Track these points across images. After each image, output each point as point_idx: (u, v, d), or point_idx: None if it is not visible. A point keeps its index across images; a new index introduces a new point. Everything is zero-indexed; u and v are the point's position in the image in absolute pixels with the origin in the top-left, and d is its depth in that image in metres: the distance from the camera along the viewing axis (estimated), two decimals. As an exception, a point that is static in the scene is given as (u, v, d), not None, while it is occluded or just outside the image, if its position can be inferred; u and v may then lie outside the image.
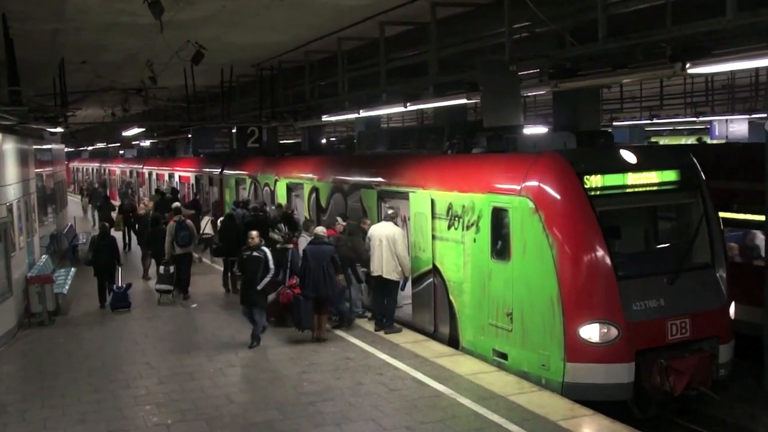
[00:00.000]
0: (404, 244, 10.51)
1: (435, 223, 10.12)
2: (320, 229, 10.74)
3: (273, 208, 14.27)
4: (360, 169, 13.02)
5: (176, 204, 15.47)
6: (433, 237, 10.14)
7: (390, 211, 10.91)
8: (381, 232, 10.70)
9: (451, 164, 10.59)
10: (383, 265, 10.53)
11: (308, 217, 13.80)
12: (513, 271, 8.49)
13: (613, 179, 8.37)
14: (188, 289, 13.59)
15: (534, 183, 8.34)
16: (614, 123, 22.98)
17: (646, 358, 7.72)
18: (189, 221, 14.28)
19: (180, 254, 13.59)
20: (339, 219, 11.71)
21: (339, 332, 10.66)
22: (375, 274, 10.69)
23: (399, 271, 10.53)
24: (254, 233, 10.25)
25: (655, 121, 22.65)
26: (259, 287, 9.93)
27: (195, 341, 10.52)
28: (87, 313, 12.60)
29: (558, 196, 8.14)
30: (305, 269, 10.15)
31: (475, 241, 9.23)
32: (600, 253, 7.86)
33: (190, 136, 18.58)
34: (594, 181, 8.24)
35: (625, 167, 8.47)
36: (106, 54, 13.61)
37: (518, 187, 8.47)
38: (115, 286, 12.98)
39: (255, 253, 9.98)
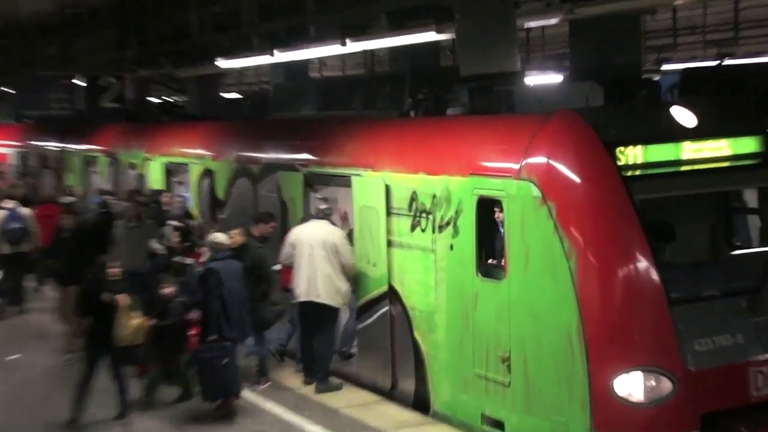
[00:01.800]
0: (350, 252, 10.83)
1: (392, 222, 10.26)
2: (220, 237, 10.76)
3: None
4: (277, 142, 13.13)
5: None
6: (389, 243, 10.28)
7: (323, 206, 11.16)
8: (311, 236, 10.87)
9: (415, 132, 10.73)
10: (318, 285, 10.72)
11: (198, 217, 14.11)
12: (510, 294, 8.56)
13: (660, 152, 8.47)
14: (21, 301, 14.45)
15: (541, 159, 8.38)
16: (664, 66, 22.44)
17: (717, 425, 7.79)
18: (26, 210, 14.76)
19: (9, 254, 14.37)
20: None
21: (247, 393, 10.71)
22: (301, 299, 10.87)
23: (343, 293, 10.79)
24: None
25: (727, 62, 21.82)
26: None
27: (12, 420, 10.28)
28: None
29: (577, 179, 8.19)
30: (223, 299, 10.11)
31: (452, 248, 9.32)
32: (642, 263, 7.90)
33: (11, 90, 18.30)
34: (632, 154, 8.32)
35: (679, 133, 8.55)
36: None
37: (517, 166, 8.53)
38: None
39: None
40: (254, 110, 17.63)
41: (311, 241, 10.78)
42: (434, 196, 9.55)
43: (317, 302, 10.75)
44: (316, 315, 10.85)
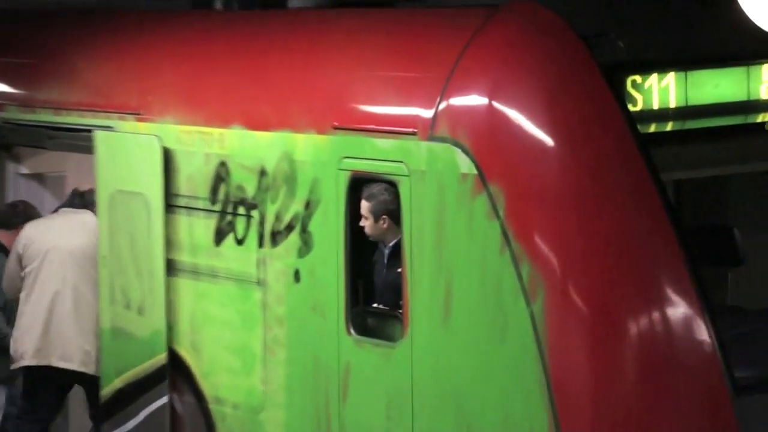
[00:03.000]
0: None
1: (176, 225, 10.46)
2: None
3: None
4: None
5: None
6: (170, 268, 10.41)
7: (85, 188, 11.65)
8: (60, 240, 11.53)
9: (224, 43, 10.92)
10: (69, 334, 11.38)
11: None
12: (415, 372, 8.58)
13: (716, 84, 8.60)
14: None
15: (476, 99, 8.38)
16: None
17: None
18: None
19: None
20: None
21: None
22: (27, 362, 11.51)
23: None
24: None
25: None
26: None
27: None
28: None
29: (549, 140, 8.13)
30: None
31: (298, 278, 9.44)
32: (679, 310, 7.87)
33: None
34: (658, 90, 8.44)
35: (754, 46, 8.70)
36: None
37: (428, 113, 8.54)
38: None
39: None
40: None
41: (61, 250, 11.26)
42: (263, 173, 9.62)
43: (70, 371, 11.21)
44: (57, 391, 11.58)
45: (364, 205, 8.75)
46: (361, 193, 8.94)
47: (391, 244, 8.95)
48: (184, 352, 10.28)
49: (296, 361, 9.40)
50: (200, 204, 10.08)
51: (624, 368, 7.86)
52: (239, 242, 9.78)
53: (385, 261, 8.91)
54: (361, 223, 8.87)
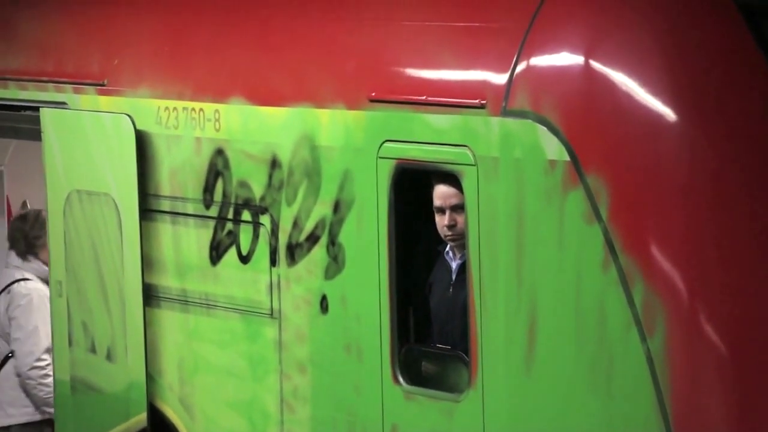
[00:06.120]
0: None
1: (157, 236, 10.67)
2: None
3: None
4: None
5: None
6: (149, 294, 10.58)
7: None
8: None
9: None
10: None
11: None
12: None
13: None
14: None
15: (567, 58, 8.35)
16: None
17: None
18: None
19: None
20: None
21: None
22: None
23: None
24: None
25: None
26: None
27: None
28: None
29: (672, 114, 7.94)
30: None
31: (325, 307, 9.43)
32: None
33: None
34: None
35: None
36: None
37: (500, 79, 8.50)
38: None
39: None
40: None
41: None
42: (274, 164, 9.69)
43: None
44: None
45: (449, 193, 8.54)
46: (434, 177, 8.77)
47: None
48: (171, 411, 10.42)
49: (324, 420, 9.41)
50: (190, 208, 10.20)
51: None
52: (244, 259, 9.85)
53: (453, 278, 8.71)
54: (446, 222, 8.62)
